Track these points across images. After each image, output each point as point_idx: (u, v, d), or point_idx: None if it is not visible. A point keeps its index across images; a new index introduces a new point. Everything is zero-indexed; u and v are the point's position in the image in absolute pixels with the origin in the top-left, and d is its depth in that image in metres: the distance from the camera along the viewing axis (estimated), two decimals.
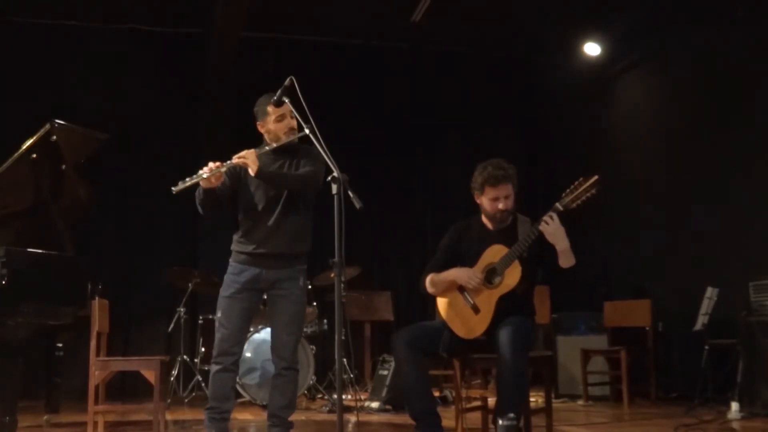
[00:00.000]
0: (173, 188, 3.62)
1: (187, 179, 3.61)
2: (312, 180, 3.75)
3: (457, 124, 8.78)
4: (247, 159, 3.62)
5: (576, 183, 3.63)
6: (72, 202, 4.89)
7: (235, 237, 3.84)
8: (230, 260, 3.83)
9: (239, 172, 3.82)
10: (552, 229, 3.55)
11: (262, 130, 3.87)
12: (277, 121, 3.78)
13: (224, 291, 3.78)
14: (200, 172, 3.61)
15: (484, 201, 3.84)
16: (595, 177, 3.60)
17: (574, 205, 3.61)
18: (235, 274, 3.77)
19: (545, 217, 3.58)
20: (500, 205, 3.80)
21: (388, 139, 8.65)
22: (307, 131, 3.52)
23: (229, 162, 3.65)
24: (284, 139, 3.76)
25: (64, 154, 4.65)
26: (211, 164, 3.62)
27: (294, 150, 3.83)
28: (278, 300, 3.76)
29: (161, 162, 7.76)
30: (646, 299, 6.48)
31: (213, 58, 7.66)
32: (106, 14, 7.60)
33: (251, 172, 3.63)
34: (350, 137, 7.85)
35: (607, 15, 7.44)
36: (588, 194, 3.60)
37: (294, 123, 3.79)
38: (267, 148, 3.76)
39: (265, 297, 3.87)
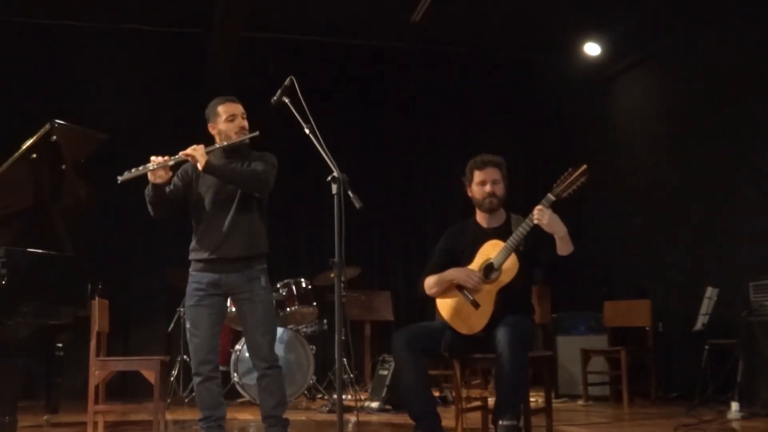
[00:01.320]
0: (119, 177, 3.56)
1: (133, 169, 3.55)
2: (261, 178, 3.68)
3: (456, 124, 8.78)
4: (195, 153, 3.55)
5: (566, 173, 3.65)
6: (72, 202, 4.89)
7: (191, 245, 3.78)
8: (189, 270, 3.78)
9: (191, 175, 3.76)
10: (547, 219, 3.56)
11: (213, 132, 3.81)
12: (227, 121, 3.75)
13: (189, 300, 3.73)
14: (148, 164, 3.55)
15: (474, 189, 3.89)
16: (584, 166, 3.62)
17: (566, 194, 3.63)
18: (196, 282, 3.72)
19: (536, 209, 3.59)
20: (488, 188, 3.83)
21: (388, 139, 8.65)
22: (307, 131, 3.50)
23: (176, 156, 3.58)
24: (235, 139, 3.71)
25: (64, 154, 4.65)
26: (158, 158, 3.56)
27: (246, 154, 3.79)
28: (244, 303, 3.71)
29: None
30: (646, 299, 6.49)
31: (213, 58, 7.66)
32: (106, 14, 7.60)
33: (199, 166, 3.55)
34: (350, 137, 7.85)
35: (607, 15, 7.44)
36: (578, 183, 3.62)
37: (246, 124, 3.77)
38: (217, 146, 3.70)
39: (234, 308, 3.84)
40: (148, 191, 3.67)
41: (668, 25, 6.98)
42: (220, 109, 3.79)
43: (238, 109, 3.79)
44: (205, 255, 3.70)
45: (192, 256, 3.77)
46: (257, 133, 3.69)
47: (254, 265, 3.73)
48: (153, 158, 3.57)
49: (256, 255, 3.74)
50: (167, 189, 3.73)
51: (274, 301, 3.92)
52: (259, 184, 3.70)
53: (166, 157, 3.58)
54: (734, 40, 6.26)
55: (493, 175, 3.85)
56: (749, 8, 6.08)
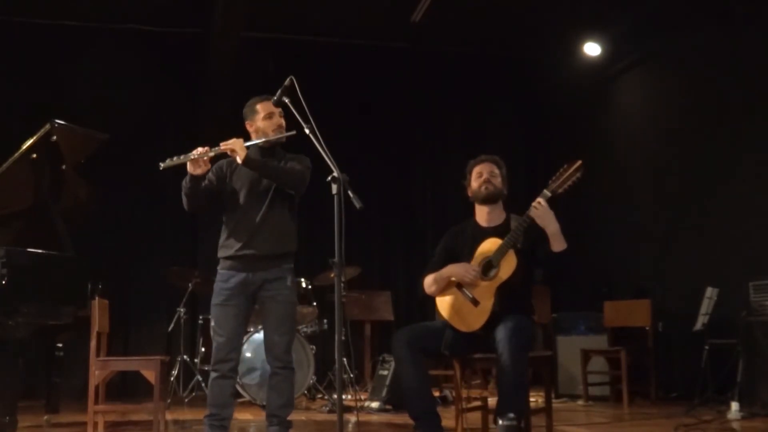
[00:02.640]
0: (161, 164, 3.62)
1: (175, 158, 3.61)
2: (300, 177, 3.73)
3: (457, 124, 8.78)
4: (235, 146, 3.61)
5: (561, 169, 3.69)
6: (72, 202, 4.89)
7: (221, 241, 3.81)
8: (218, 267, 3.80)
9: (225, 171, 3.81)
10: (541, 212, 3.60)
11: (250, 129, 3.85)
12: (266, 119, 3.79)
13: (215, 299, 3.76)
14: (189, 154, 3.61)
15: (472, 184, 3.94)
16: (579, 162, 3.66)
17: (561, 190, 3.67)
18: (223, 281, 3.74)
19: (534, 203, 3.62)
20: (484, 176, 3.88)
21: (387, 139, 8.65)
22: (307, 131, 3.51)
23: (216, 148, 3.63)
24: (272, 136, 3.75)
25: (64, 154, 4.66)
26: (200, 148, 3.62)
27: (281, 155, 3.83)
28: (267, 301, 3.72)
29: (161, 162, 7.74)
30: (646, 299, 6.48)
31: (213, 58, 7.67)
32: (106, 14, 7.60)
33: (238, 159, 3.60)
34: (350, 137, 7.85)
35: (607, 15, 7.44)
36: (573, 179, 3.65)
37: (283, 122, 3.80)
38: (255, 141, 3.75)
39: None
40: (185, 182, 3.70)
41: (668, 25, 6.97)
42: (259, 107, 3.82)
43: (276, 108, 3.80)
44: (233, 250, 3.71)
45: (221, 253, 3.79)
46: (294, 132, 3.70)
47: (282, 263, 3.75)
48: (199, 149, 3.61)
49: (285, 253, 3.77)
50: (203, 184, 3.76)
51: (296, 303, 3.94)
52: (297, 182, 3.73)
53: (207, 148, 3.63)
54: (734, 40, 6.26)
55: (490, 168, 3.92)
56: (749, 8, 6.08)
